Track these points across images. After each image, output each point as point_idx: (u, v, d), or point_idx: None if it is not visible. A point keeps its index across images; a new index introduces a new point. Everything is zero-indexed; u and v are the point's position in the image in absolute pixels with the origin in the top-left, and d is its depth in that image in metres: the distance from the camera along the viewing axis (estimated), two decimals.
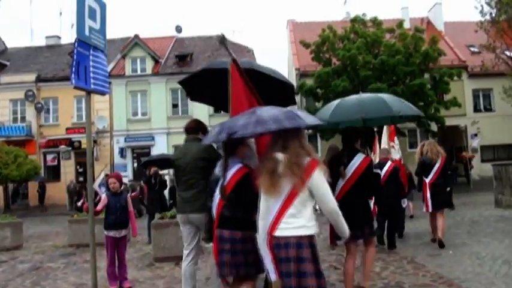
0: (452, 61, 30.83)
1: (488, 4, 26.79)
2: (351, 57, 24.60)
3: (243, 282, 4.27)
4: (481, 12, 27.05)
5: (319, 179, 3.48)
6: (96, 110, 31.02)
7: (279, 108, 3.86)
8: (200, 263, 8.65)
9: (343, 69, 25.44)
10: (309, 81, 26.84)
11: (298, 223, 3.47)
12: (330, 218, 3.64)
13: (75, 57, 5.38)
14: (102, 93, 6.06)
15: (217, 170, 4.48)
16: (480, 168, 29.47)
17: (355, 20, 27.71)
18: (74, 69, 5.35)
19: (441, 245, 8.41)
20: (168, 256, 8.92)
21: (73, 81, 5.35)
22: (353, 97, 7.02)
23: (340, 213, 3.60)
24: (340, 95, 24.03)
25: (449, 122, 26.92)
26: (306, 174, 3.43)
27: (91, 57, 5.65)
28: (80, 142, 30.81)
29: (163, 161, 13.54)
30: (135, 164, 31.34)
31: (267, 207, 3.57)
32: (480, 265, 7.02)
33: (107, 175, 15.02)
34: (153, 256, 9.34)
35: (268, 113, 3.67)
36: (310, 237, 3.48)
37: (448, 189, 9.82)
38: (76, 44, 5.43)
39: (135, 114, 32.82)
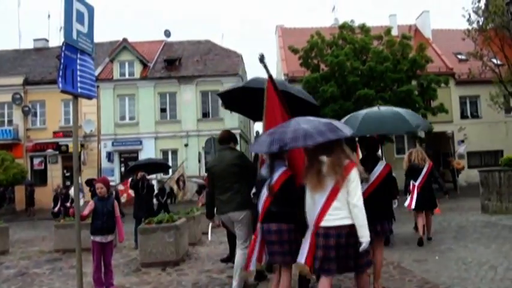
0: (440, 68, 31.09)
1: (476, 13, 27.11)
2: (339, 63, 24.71)
3: (283, 269, 5.03)
4: (469, 20, 27.36)
5: (354, 176, 4.28)
6: (84, 114, 30.88)
7: (317, 119, 4.66)
8: (187, 268, 8.65)
9: (331, 75, 25.53)
10: (297, 87, 26.90)
11: (342, 214, 4.26)
12: (352, 212, 4.24)
13: (62, 60, 5.36)
14: (89, 98, 6.03)
15: (264, 172, 5.18)
16: (467, 174, 29.70)
17: (343, 27, 27.85)
18: (61, 72, 5.33)
19: (420, 243, 8.79)
20: (155, 261, 8.84)
21: (60, 85, 5.32)
22: (375, 112, 7.67)
23: (363, 209, 4.25)
24: (328, 101, 24.23)
25: (436, 128, 27.08)
26: (345, 173, 4.24)
27: (78, 61, 5.63)
28: (67, 146, 30.61)
29: (151, 166, 13.47)
30: (123, 169, 31.19)
31: (312, 202, 4.41)
32: (466, 270, 7.05)
33: (94, 180, 14.90)
34: (139, 261, 9.28)
35: (311, 125, 4.39)
36: (352, 226, 4.24)
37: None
38: (63, 48, 5.41)
39: (122, 118, 32.70)
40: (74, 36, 5.54)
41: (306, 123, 4.48)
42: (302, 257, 4.43)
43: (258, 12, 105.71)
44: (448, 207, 16.51)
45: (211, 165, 6.59)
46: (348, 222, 4.24)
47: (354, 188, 4.24)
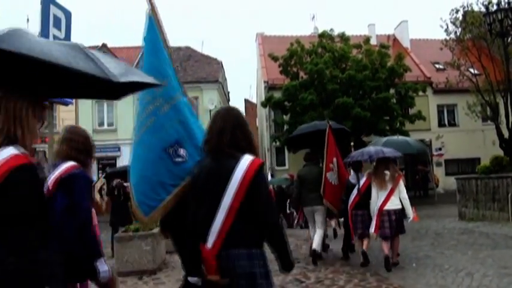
0: (418, 77, 31.41)
1: (453, 23, 27.47)
2: (318, 71, 24.84)
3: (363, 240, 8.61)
4: (446, 31, 27.71)
5: (401, 183, 8.22)
6: (62, 120, 30.47)
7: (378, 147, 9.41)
8: (164, 277, 8.55)
9: (311, 83, 25.65)
10: (277, 94, 27.00)
11: (396, 202, 8.06)
12: (403, 201, 8.15)
13: None
14: (65, 104, 5.95)
15: (352, 180, 8.92)
16: (444, 182, 30.10)
17: (323, 35, 28.03)
18: None
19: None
20: (132, 270, 8.71)
21: None
22: (392, 139, 11.83)
23: (407, 199, 8.27)
24: (307, 108, 24.34)
25: (414, 136, 27.26)
26: (397, 180, 8.13)
27: None
28: (44, 152, 30.16)
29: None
30: (101, 175, 30.84)
31: (377, 196, 8.13)
32: (443, 277, 7.10)
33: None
34: (115, 270, 9.14)
35: (385, 148, 9.00)
36: (401, 209, 8.11)
37: None
38: None
39: (101, 124, 32.33)
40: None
41: (381, 146, 9.43)
42: (372, 229, 8.08)
43: (238, 19, 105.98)
44: (425, 214, 16.65)
45: (303, 175, 9.41)
46: (399, 207, 8.08)
47: (402, 189, 8.13)
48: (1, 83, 2.19)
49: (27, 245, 2.07)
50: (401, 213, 8.07)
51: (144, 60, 3.61)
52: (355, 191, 8.70)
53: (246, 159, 2.88)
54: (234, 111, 3.20)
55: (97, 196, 21.94)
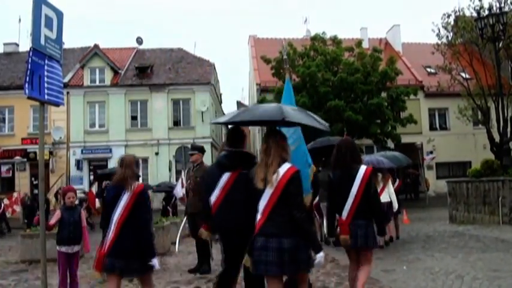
0: (409, 81, 31.59)
1: (445, 28, 27.69)
2: (310, 74, 24.88)
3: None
4: (438, 35, 27.96)
5: (389, 183, 10.90)
6: (53, 121, 30.38)
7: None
8: (154, 279, 8.50)
9: (303, 86, 25.68)
10: (269, 97, 26.98)
11: (386, 196, 10.43)
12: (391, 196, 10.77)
13: (29, 66, 5.24)
14: (57, 105, 5.92)
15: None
16: (435, 185, 30.28)
17: (315, 38, 28.11)
18: (27, 78, 5.21)
19: None
20: None
21: (26, 91, 5.21)
22: (383, 154, 12.60)
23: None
24: None
25: (405, 139, 27.52)
26: (386, 180, 10.80)
27: (46, 67, 5.51)
28: (35, 153, 29.95)
29: None
30: (92, 177, 30.71)
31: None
32: (433, 280, 7.11)
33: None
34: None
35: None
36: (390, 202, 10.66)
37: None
38: (31, 53, 5.29)
39: (92, 125, 32.23)
40: (42, 41, 5.44)
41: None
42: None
43: (231, 21, 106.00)
44: (416, 217, 16.72)
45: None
46: (388, 200, 10.42)
47: (390, 186, 10.59)
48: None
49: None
50: (388, 206, 10.59)
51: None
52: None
53: (363, 168, 5.35)
54: (349, 141, 5.79)
55: (53, 199, 22.54)
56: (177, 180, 28.98)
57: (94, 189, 20.88)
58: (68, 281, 6.80)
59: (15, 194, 24.84)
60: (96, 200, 18.54)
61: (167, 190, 18.95)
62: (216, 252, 11.05)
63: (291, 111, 4.61)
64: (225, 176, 4.83)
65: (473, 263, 8.24)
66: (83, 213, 7.11)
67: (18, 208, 24.05)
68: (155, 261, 4.96)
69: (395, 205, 10.88)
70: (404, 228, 12.72)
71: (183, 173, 19.19)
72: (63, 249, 6.68)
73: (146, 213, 5.01)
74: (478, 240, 11.07)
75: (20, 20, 38.54)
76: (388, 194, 10.67)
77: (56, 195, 26.54)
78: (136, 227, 4.86)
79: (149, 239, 5.02)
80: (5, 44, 37.54)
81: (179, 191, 18.21)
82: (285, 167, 4.07)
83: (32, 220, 20.13)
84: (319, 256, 4.10)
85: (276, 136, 4.34)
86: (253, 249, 4.07)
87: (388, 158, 11.64)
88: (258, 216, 4.11)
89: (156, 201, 21.47)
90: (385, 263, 8.63)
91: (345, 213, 5.26)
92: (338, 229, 5.36)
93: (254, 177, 4.19)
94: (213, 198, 4.86)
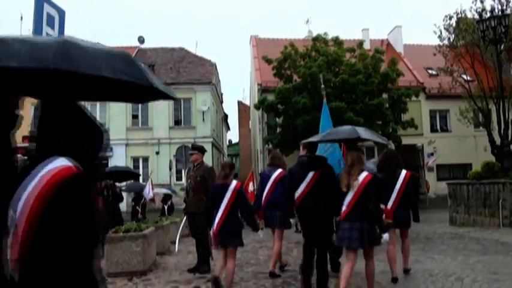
0: (411, 82, 31.52)
1: (447, 30, 27.64)
2: (311, 75, 24.77)
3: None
4: (440, 37, 27.90)
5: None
6: None
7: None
8: (154, 279, 8.50)
9: (304, 86, 25.61)
10: (270, 97, 26.95)
11: None
12: None
13: None
14: None
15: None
16: (436, 187, 30.23)
17: (316, 39, 28.02)
18: None
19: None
20: (121, 271, 8.62)
21: None
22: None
23: None
24: (300, 112, 24.32)
25: (406, 141, 27.46)
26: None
27: None
28: None
29: (118, 174, 13.25)
30: None
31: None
32: (433, 282, 7.10)
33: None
34: (105, 271, 9.07)
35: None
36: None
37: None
38: None
39: None
40: None
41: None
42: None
43: (232, 21, 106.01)
44: None
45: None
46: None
47: None
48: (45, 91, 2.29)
49: None
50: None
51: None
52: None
53: (403, 172, 7.48)
54: (394, 151, 8.63)
55: None
56: (178, 179, 29.15)
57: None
58: None
59: None
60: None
61: (137, 191, 19.11)
62: (216, 252, 11.11)
63: (362, 131, 6.87)
64: (310, 174, 6.47)
65: (473, 265, 8.22)
66: None
67: None
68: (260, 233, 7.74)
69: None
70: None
71: (150, 179, 19.31)
72: None
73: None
74: (478, 242, 11.06)
75: (21, 18, 38.47)
76: None
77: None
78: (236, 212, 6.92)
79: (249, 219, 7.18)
80: None
81: (148, 192, 18.25)
82: (363, 175, 5.89)
83: None
84: (385, 235, 6.01)
85: (357, 152, 6.24)
86: (341, 229, 6.03)
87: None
88: (343, 208, 5.94)
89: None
90: (384, 265, 8.58)
91: (390, 203, 7.18)
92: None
93: (340, 181, 6.05)
94: (299, 191, 6.50)
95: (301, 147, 7.31)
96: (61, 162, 2.05)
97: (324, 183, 6.41)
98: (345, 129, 7.15)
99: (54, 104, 2.24)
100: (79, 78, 1.96)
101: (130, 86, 2.13)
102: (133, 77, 2.10)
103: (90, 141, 2.31)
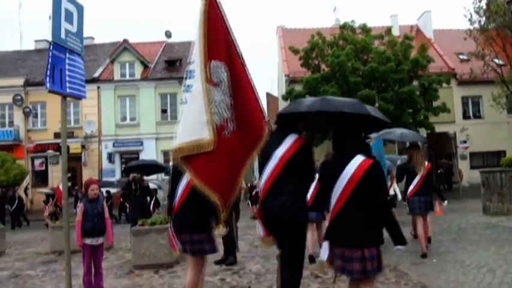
0: (441, 68, 30.93)
1: (477, 13, 26.84)
2: (339, 64, 24.54)
3: None
4: (470, 20, 27.09)
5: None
6: (85, 115, 30.90)
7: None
8: (180, 271, 8.52)
9: (332, 76, 25.38)
10: (298, 87, 26.76)
11: None
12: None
13: (50, 60, 5.22)
14: (79, 98, 5.93)
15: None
16: (469, 175, 29.62)
17: (344, 27, 27.71)
18: (48, 72, 5.20)
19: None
20: (148, 264, 8.72)
21: (48, 85, 5.21)
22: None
23: None
24: None
25: (438, 128, 26.99)
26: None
27: (67, 60, 5.49)
28: (68, 147, 30.45)
29: (146, 167, 13.30)
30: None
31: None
32: (464, 274, 6.93)
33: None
34: (132, 264, 9.15)
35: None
36: None
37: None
38: (51, 47, 5.27)
39: (123, 119, 32.63)
40: (63, 35, 5.40)
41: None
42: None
43: (259, 12, 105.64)
44: (449, 208, 16.31)
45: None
46: (393, 193, 13.53)
47: None
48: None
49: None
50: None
51: None
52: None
53: (425, 163, 8.93)
54: (418, 146, 9.32)
55: (24, 196, 24.11)
56: None
57: (61, 186, 21.17)
58: (93, 272, 6.81)
59: None
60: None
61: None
62: (244, 243, 11.08)
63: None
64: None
65: (506, 256, 7.99)
66: (106, 205, 7.11)
67: None
68: None
69: (399, 196, 13.10)
70: (436, 220, 12.45)
71: None
72: (88, 241, 6.67)
73: None
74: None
75: (50, 17, 38.93)
76: (393, 189, 13.24)
77: (25, 192, 27.16)
78: None
79: None
80: (36, 41, 38.17)
81: None
82: (425, 164, 8.79)
83: None
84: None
85: (419, 148, 9.02)
86: (415, 201, 8.74)
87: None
88: (411, 188, 8.74)
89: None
90: (414, 256, 8.42)
91: (411, 188, 8.79)
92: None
93: (414, 168, 8.71)
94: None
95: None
96: (362, 157, 4.10)
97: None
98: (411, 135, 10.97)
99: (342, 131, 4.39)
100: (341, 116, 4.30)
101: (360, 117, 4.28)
102: (357, 110, 4.28)
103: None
